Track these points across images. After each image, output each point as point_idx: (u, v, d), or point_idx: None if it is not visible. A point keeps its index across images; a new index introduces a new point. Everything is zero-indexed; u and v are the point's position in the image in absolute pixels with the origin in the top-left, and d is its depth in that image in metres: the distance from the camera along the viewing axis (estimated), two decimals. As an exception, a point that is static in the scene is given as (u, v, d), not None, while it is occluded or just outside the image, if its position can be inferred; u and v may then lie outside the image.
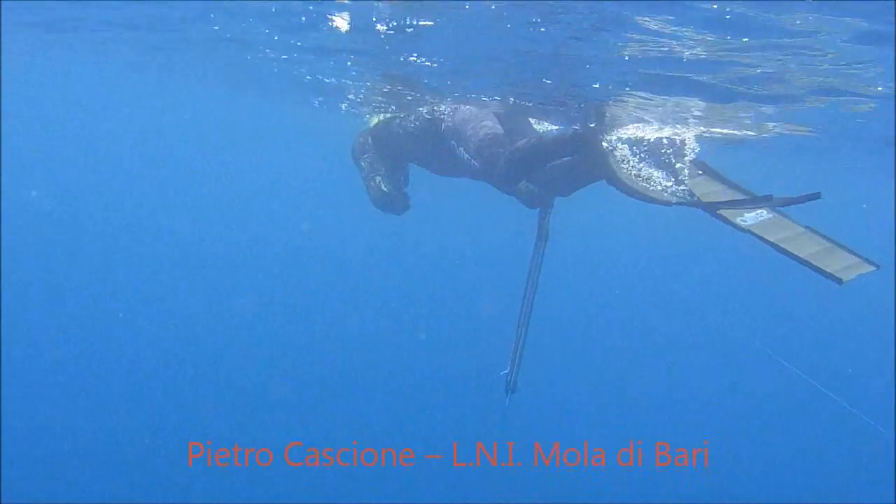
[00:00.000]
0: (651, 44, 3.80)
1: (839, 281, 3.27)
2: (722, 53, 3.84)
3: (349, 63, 5.84)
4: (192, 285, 11.77)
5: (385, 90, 6.31)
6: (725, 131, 5.90)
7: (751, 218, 3.52)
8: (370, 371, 11.05)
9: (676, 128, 5.44)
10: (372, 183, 4.87)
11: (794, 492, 11.03)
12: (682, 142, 3.74)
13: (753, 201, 3.47)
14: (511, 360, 4.22)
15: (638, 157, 3.68)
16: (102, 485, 10.34)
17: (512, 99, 5.58)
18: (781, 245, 3.40)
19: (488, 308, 9.57)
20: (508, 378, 4.22)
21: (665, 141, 3.72)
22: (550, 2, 3.39)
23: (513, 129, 4.32)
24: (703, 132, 5.68)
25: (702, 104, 4.90)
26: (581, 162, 3.59)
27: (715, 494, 10.56)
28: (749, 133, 6.17)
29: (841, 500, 10.89)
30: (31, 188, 12.33)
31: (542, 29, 3.82)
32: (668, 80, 4.40)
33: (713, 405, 11.67)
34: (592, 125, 4.39)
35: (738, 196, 3.64)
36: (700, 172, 3.82)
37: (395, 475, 9.84)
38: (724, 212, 3.46)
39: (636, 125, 5.21)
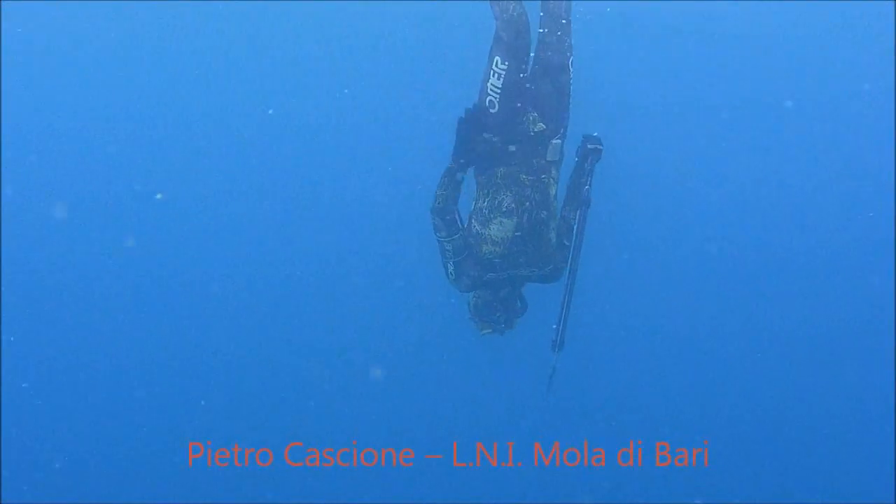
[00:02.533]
0: None
1: None
2: None
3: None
4: (190, 282, 11.75)
5: None
6: None
7: None
8: (370, 371, 11.02)
9: None
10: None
11: (793, 492, 11.03)
12: None
13: None
14: (559, 316, 4.18)
15: None
16: (102, 485, 10.35)
17: None
18: None
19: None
20: (556, 335, 4.19)
21: None
22: None
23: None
24: None
25: None
26: None
27: (715, 494, 10.56)
28: None
29: (841, 500, 10.90)
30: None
31: None
32: None
33: (713, 405, 11.67)
34: None
35: None
36: None
37: (395, 475, 9.85)
38: None
39: None
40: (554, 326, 4.18)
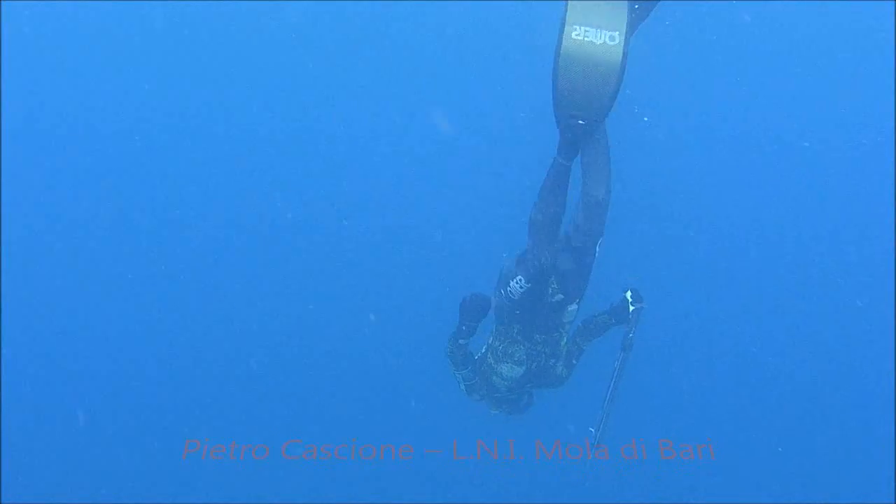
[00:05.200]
0: None
1: None
2: None
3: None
4: (188, 279, 11.73)
5: None
6: None
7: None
8: (369, 366, 11.01)
9: None
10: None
11: (793, 491, 11.01)
12: None
13: None
14: (598, 422, 4.50)
15: None
16: (102, 484, 10.34)
17: None
18: None
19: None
20: (595, 434, 4.50)
21: None
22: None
23: None
24: None
25: None
26: None
27: (716, 494, 10.54)
28: None
29: (841, 500, 10.89)
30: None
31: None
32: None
33: (715, 403, 11.66)
34: None
35: None
36: None
37: (394, 470, 9.83)
38: None
39: None
40: (591, 430, 4.50)
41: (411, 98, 12.14)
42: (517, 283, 4.24)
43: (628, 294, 4.52)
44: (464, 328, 4.41)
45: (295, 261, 11.89)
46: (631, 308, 4.47)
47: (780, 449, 11.65)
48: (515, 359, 4.43)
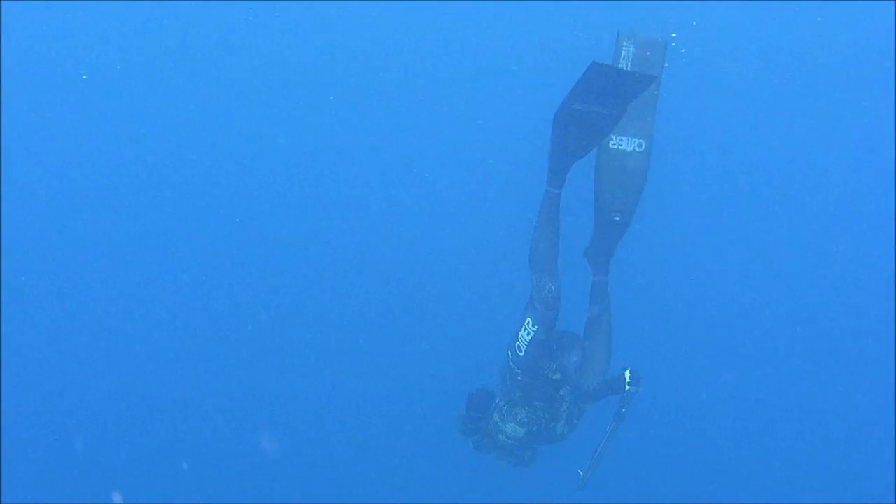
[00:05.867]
0: None
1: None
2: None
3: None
4: (188, 280, 11.75)
5: None
6: None
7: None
8: (370, 367, 11.03)
9: None
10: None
11: (793, 492, 11.05)
12: None
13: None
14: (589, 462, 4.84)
15: None
16: (102, 485, 10.37)
17: None
18: None
19: (493, 304, 9.58)
20: (583, 477, 4.84)
21: None
22: None
23: None
24: None
25: None
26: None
27: (715, 494, 10.58)
28: None
29: (841, 500, 10.93)
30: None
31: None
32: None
33: (714, 404, 11.70)
34: None
35: None
36: None
37: (395, 469, 9.87)
38: None
39: None
40: (580, 473, 4.83)
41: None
42: (525, 330, 4.62)
43: (626, 374, 4.77)
44: (470, 420, 4.89)
45: (291, 262, 11.92)
46: (627, 388, 4.75)
47: (779, 449, 11.69)
48: (518, 419, 4.83)
